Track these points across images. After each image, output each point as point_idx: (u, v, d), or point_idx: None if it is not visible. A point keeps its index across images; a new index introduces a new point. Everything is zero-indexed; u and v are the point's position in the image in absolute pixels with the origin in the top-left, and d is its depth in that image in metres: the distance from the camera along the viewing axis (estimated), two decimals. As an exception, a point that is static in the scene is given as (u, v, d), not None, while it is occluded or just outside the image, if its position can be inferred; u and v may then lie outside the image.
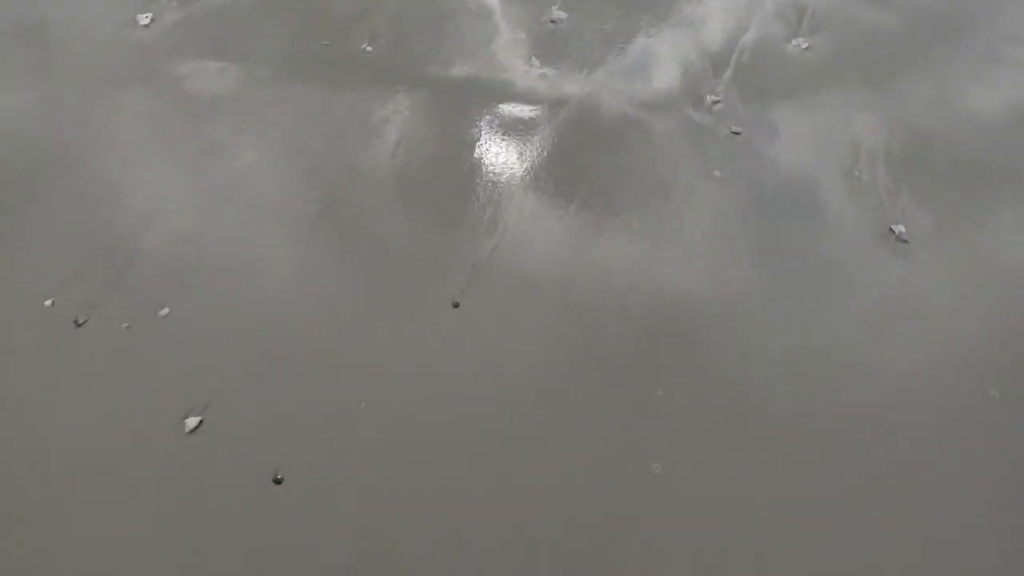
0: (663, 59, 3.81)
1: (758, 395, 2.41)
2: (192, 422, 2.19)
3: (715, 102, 3.70)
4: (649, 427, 2.28)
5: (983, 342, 2.62)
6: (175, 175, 3.04)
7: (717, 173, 3.28)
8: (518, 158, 3.32)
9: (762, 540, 2.04)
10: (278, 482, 2.08)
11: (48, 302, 2.50)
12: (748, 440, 2.28)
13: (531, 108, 3.58)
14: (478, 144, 3.35)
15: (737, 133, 3.55)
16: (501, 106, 3.60)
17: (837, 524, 2.08)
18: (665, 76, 3.72)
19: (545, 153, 3.35)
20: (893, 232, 3.08)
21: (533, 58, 3.84)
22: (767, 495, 2.13)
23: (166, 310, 2.50)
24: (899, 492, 2.16)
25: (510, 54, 3.85)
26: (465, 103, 3.59)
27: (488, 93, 3.67)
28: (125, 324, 2.45)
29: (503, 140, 3.41)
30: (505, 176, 3.20)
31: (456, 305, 2.62)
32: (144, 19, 3.90)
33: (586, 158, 3.31)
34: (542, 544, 1.99)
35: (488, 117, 3.52)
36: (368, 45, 3.88)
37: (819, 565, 2.00)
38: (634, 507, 2.09)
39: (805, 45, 3.94)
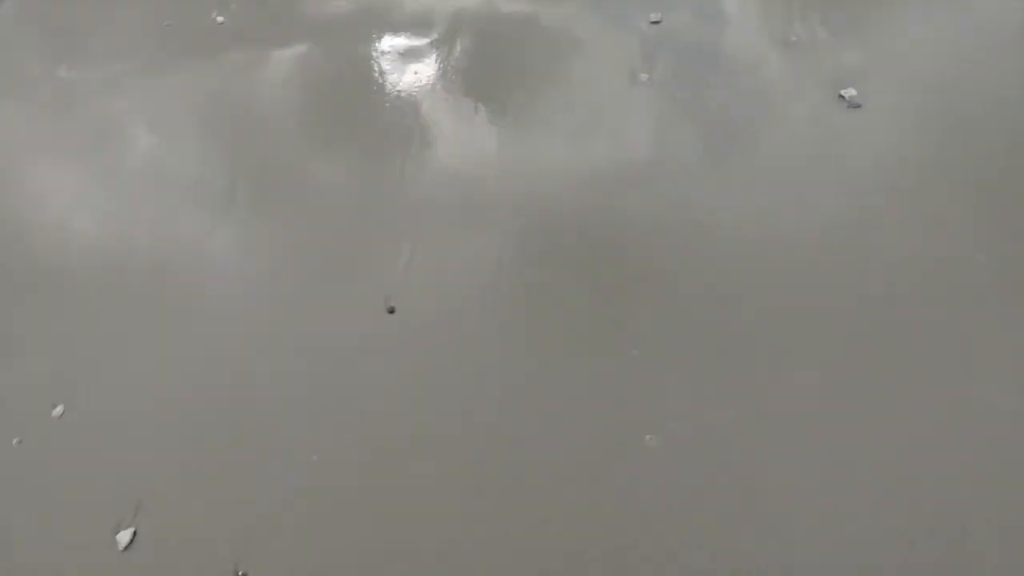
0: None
1: (734, 288, 2.25)
2: (125, 536, 1.88)
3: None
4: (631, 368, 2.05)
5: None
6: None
7: (644, 76, 2.92)
8: (431, 84, 3.02)
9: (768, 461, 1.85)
10: (243, 580, 1.82)
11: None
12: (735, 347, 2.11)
13: (429, 29, 3.24)
14: (386, 80, 3.04)
15: (657, 22, 3.16)
16: (393, 34, 3.26)
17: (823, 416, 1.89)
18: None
19: (459, 74, 3.05)
20: (843, 98, 2.78)
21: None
22: (769, 410, 1.95)
23: (60, 408, 2.13)
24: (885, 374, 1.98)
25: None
26: (355, 40, 3.21)
27: (378, 22, 3.26)
28: (16, 440, 2.08)
29: (410, 67, 3.11)
30: (425, 105, 2.94)
31: (391, 311, 2.30)
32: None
33: (502, 68, 3.01)
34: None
35: (387, 46, 3.22)
36: (219, 15, 3.35)
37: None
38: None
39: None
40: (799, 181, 2.52)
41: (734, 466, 1.89)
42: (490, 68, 3.04)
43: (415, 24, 3.28)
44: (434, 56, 3.13)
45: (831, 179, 2.51)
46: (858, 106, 2.75)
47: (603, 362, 2.12)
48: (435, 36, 3.23)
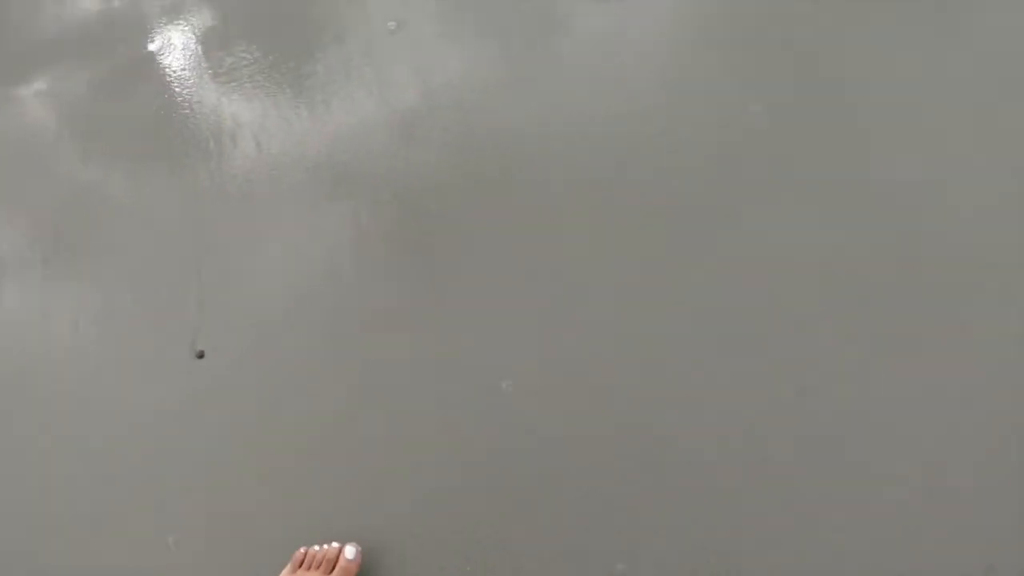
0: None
1: (538, 217, 2.16)
2: None
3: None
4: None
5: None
6: None
7: (392, 24, 2.76)
8: (182, 81, 2.70)
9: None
10: None
11: None
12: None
13: (150, 33, 2.91)
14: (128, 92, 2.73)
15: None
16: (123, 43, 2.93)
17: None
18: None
19: (208, 62, 2.78)
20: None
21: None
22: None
23: None
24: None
25: None
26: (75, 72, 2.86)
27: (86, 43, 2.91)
28: None
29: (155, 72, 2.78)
30: (181, 106, 2.62)
31: (200, 355, 2.08)
32: None
33: (240, 46, 2.75)
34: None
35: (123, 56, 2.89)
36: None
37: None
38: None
39: None
40: (575, 82, 2.46)
41: (588, 393, 1.85)
42: (225, 50, 2.79)
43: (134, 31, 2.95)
44: (181, 51, 2.84)
45: (602, 72, 2.47)
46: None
47: (436, 326, 2.02)
48: (159, 40, 2.91)
